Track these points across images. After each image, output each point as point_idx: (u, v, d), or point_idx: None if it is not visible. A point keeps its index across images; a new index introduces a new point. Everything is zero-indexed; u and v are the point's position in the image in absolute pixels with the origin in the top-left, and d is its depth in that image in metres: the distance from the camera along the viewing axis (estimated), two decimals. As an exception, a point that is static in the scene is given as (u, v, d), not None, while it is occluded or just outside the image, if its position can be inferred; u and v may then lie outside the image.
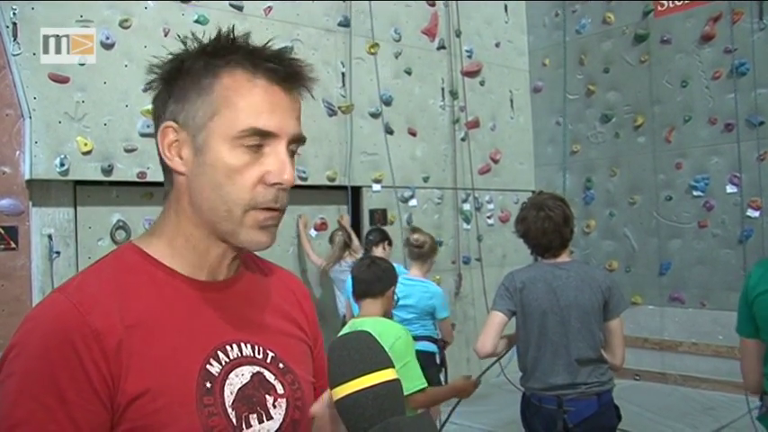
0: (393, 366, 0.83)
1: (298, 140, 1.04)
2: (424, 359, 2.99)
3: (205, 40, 1.03)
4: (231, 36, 1.02)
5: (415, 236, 4.48)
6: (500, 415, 5.26)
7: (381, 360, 0.83)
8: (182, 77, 1.02)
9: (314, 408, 0.99)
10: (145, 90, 1.09)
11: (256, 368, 1.05)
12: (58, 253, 4.35)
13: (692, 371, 6.30)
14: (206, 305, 1.04)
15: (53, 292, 0.99)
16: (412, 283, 4.18)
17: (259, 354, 1.06)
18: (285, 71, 1.01)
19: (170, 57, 1.05)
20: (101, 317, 0.93)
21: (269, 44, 1.04)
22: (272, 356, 1.08)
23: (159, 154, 1.05)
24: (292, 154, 1.04)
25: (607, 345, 2.90)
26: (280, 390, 1.06)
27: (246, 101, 0.99)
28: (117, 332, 0.93)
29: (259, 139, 0.99)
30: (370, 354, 0.82)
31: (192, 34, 1.04)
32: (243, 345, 1.05)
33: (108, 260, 1.05)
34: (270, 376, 1.06)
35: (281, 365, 1.08)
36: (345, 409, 0.81)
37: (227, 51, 1.01)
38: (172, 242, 1.05)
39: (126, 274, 1.01)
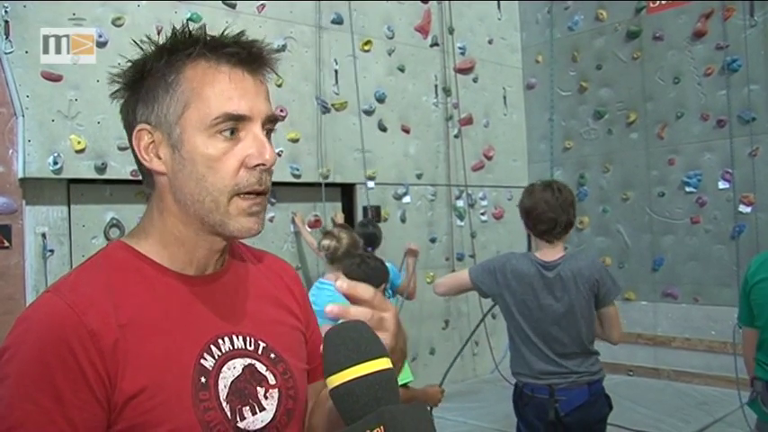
0: (388, 356, 0.84)
1: (272, 121, 1.04)
2: None
3: (161, 41, 1.03)
4: (187, 30, 1.02)
5: (325, 242, 3.86)
6: (493, 410, 5.27)
7: (376, 349, 0.83)
8: (146, 79, 1.02)
9: None
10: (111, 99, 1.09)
11: (248, 360, 1.05)
12: (51, 251, 4.34)
13: (685, 366, 6.32)
14: (197, 300, 1.05)
15: (46, 292, 0.99)
16: (321, 287, 3.75)
17: (251, 345, 1.07)
18: (246, 53, 1.02)
19: (130, 63, 1.05)
20: (96, 317, 0.93)
21: (226, 32, 1.04)
22: (264, 347, 1.08)
23: (136, 158, 1.04)
24: (269, 134, 1.04)
25: (603, 325, 2.94)
26: (272, 380, 1.07)
27: (213, 89, 0.99)
28: (112, 332, 0.93)
29: (233, 123, 0.99)
30: (364, 343, 0.83)
31: (148, 37, 1.04)
32: (235, 337, 1.05)
33: (98, 258, 1.06)
34: (261, 367, 1.06)
35: (272, 356, 1.09)
36: (340, 398, 0.81)
37: (185, 45, 1.01)
38: (161, 240, 1.06)
39: (117, 272, 1.01)
